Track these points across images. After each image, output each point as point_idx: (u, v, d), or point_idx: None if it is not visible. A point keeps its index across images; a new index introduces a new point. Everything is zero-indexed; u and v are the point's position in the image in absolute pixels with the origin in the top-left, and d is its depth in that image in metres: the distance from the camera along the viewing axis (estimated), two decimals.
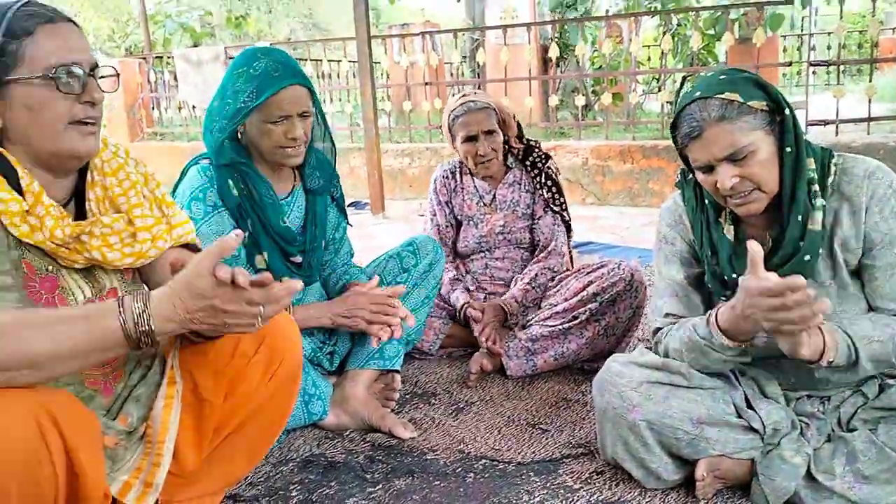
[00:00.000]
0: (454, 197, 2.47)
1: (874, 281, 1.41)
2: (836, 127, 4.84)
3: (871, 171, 1.38)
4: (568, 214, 2.48)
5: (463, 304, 2.29)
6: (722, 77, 1.37)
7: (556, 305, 2.25)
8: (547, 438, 1.79)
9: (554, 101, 5.72)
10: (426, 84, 6.15)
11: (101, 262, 1.19)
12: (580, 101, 5.58)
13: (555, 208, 2.42)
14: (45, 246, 1.13)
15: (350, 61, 6.53)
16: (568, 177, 5.35)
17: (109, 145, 1.29)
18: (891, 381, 1.50)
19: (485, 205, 2.44)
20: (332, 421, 1.86)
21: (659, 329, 1.59)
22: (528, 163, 2.46)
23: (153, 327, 0.99)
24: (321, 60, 7.03)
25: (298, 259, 1.87)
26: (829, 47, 11.56)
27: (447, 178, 2.48)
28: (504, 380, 2.18)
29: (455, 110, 2.35)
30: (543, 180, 2.42)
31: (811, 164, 1.40)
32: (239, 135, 1.82)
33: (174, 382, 1.28)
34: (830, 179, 1.40)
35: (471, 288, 2.43)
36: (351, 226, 2.12)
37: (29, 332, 0.95)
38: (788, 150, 1.36)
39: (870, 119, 4.81)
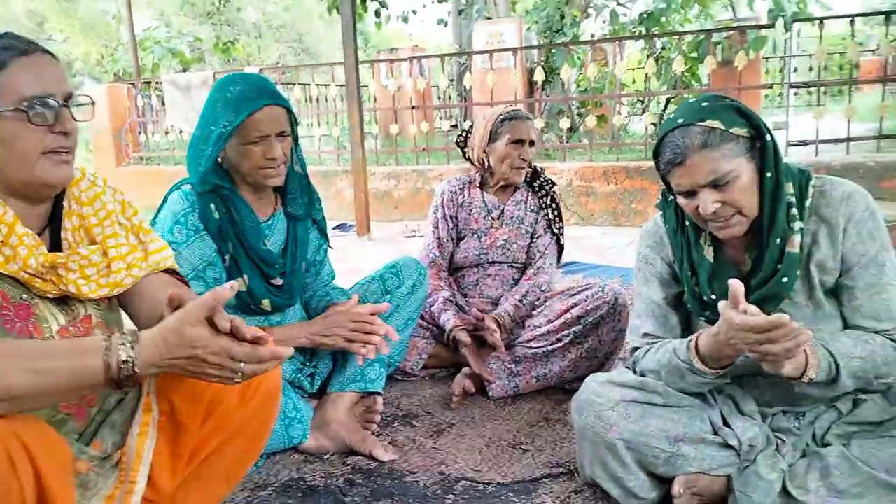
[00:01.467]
0: (460, 211, 2.50)
1: (854, 301, 1.42)
2: (816, 147, 4.91)
3: (849, 194, 1.41)
4: (563, 239, 2.53)
5: (452, 328, 2.28)
6: (704, 104, 1.39)
7: (539, 327, 2.26)
8: (527, 458, 1.80)
9: (539, 123, 5.78)
10: (413, 108, 6.20)
11: (76, 294, 1.19)
12: (565, 123, 5.64)
13: (555, 230, 2.48)
14: (18, 276, 1.13)
15: (338, 85, 6.57)
16: None
17: (87, 174, 1.30)
18: (864, 397, 1.51)
19: (493, 218, 2.48)
20: (313, 444, 1.85)
21: (637, 349, 1.61)
22: (535, 184, 2.52)
23: (137, 371, 0.96)
24: (309, 85, 7.09)
25: (279, 281, 1.88)
26: (811, 68, 11.75)
27: (455, 192, 2.52)
28: (486, 400, 2.18)
29: (507, 114, 2.41)
30: (549, 202, 2.49)
31: (790, 188, 1.42)
32: (220, 160, 1.83)
33: (150, 409, 1.27)
34: (808, 202, 1.42)
35: (463, 307, 2.44)
36: (332, 248, 2.13)
37: (10, 366, 0.93)
38: (769, 174, 1.38)
39: (849, 139, 4.89)
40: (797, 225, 1.40)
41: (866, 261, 1.40)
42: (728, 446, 1.48)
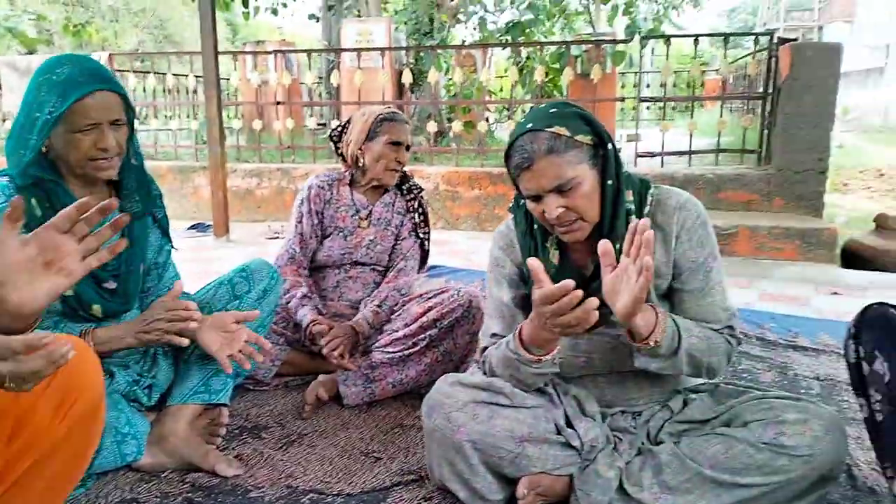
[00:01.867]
0: (327, 208, 2.43)
1: (684, 304, 1.52)
2: (662, 159, 5.25)
3: (682, 203, 1.50)
4: (428, 244, 2.53)
5: (309, 322, 2.21)
6: (552, 111, 1.43)
7: (396, 332, 2.23)
8: (379, 467, 1.76)
9: None
10: (277, 103, 6.01)
11: None
12: (432, 127, 5.68)
13: (420, 234, 2.47)
14: None
15: (196, 76, 6.25)
16: None
17: None
18: (693, 396, 1.61)
19: (360, 218, 2.42)
20: (149, 461, 1.72)
21: (486, 349, 1.63)
22: (403, 188, 2.50)
23: None
24: (166, 74, 6.70)
25: (112, 285, 1.73)
26: (662, 84, 12.57)
27: (323, 188, 2.44)
28: (341, 409, 2.12)
29: (387, 114, 2.36)
30: (416, 206, 2.48)
31: (629, 195, 1.48)
32: (45, 150, 1.66)
33: None
34: (646, 210, 1.50)
35: (321, 309, 2.37)
36: (176, 249, 2.00)
37: None
38: (610, 182, 1.44)
39: (691, 152, 5.27)
40: None
41: (696, 266, 1.50)
42: (570, 446, 1.52)
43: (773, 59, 4.95)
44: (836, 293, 3.64)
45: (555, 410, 1.56)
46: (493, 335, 1.62)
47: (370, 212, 2.45)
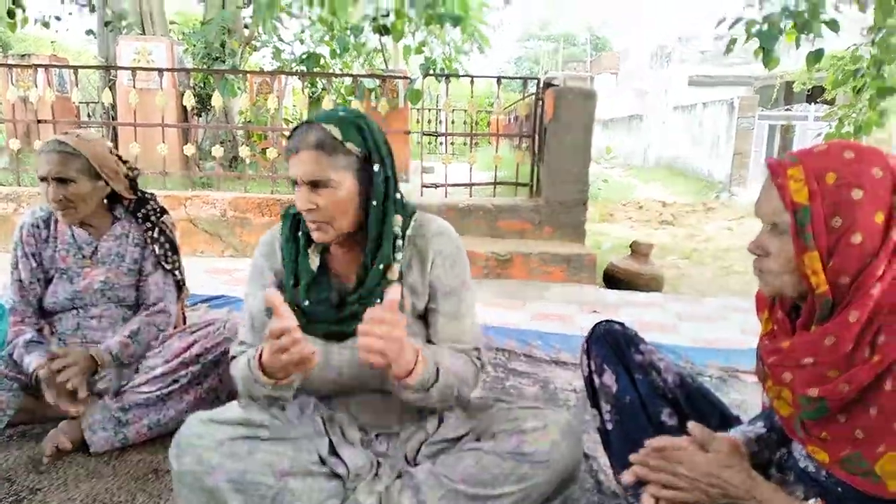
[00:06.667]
0: (45, 248, 2.14)
1: (437, 324, 1.57)
2: (446, 190, 5.51)
3: (441, 231, 1.58)
4: (181, 273, 2.34)
5: (35, 368, 1.95)
6: (341, 114, 1.45)
7: (154, 369, 2.07)
8: None
9: (190, 150, 5.52)
10: (39, 122, 5.45)
11: None
12: (217, 151, 5.48)
13: (166, 266, 2.26)
14: None
15: None
16: (206, 228, 5.18)
17: None
18: (447, 414, 1.67)
19: (84, 257, 2.16)
20: None
21: (234, 358, 1.58)
22: (139, 215, 2.26)
23: None
24: None
25: None
26: (465, 122, 13.25)
27: (37, 226, 2.15)
28: (87, 457, 1.93)
29: (43, 146, 2.07)
30: (156, 235, 2.25)
31: (399, 220, 1.52)
32: None
33: None
34: (409, 232, 1.55)
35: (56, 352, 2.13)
36: None
37: None
38: (374, 203, 1.47)
39: (471, 184, 5.60)
40: (399, 255, 1.52)
41: (449, 291, 1.56)
42: (335, 476, 1.50)
43: (541, 102, 5.42)
44: (595, 311, 4.01)
45: (319, 440, 1.53)
46: (242, 343, 1.59)
47: (95, 248, 2.19)
